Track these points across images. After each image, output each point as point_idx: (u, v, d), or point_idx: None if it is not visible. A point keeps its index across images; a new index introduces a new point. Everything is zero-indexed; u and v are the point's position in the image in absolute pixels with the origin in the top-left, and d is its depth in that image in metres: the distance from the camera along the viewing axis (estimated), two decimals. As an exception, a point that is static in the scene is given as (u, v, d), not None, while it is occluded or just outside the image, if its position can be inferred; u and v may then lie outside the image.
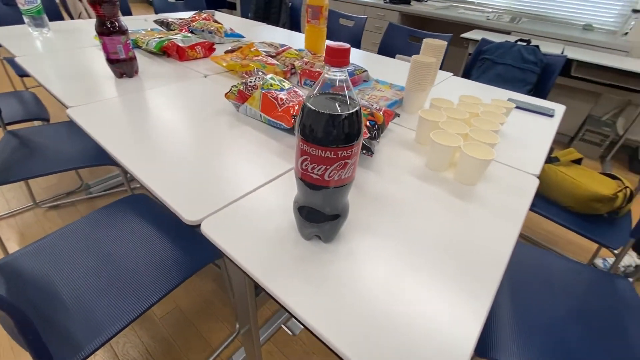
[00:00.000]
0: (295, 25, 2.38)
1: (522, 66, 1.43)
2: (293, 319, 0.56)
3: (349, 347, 0.35)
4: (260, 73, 0.84)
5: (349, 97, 0.35)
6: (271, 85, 0.77)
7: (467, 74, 1.66)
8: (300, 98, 0.77)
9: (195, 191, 0.55)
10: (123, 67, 0.95)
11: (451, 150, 0.63)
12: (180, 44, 1.12)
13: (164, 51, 1.15)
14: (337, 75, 0.34)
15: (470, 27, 2.39)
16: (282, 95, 0.75)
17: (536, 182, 0.66)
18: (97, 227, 0.84)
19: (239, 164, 0.63)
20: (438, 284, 0.43)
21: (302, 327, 0.43)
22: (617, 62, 1.83)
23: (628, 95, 1.99)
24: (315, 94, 0.37)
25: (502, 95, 1.09)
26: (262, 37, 1.55)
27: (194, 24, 1.38)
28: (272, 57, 1.15)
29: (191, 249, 0.80)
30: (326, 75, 0.35)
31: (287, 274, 0.42)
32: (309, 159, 0.37)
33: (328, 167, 0.37)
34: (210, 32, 1.35)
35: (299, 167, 0.39)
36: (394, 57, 1.70)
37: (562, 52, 1.87)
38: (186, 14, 1.77)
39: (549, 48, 1.85)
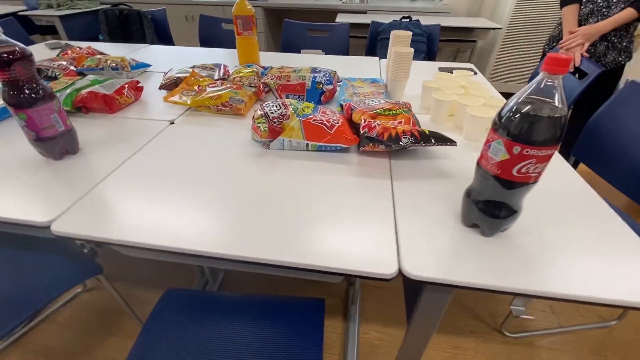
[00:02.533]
0: (165, 40, 2.06)
1: (413, 39, 1.71)
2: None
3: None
4: (274, 104, 0.75)
5: (558, 100, 0.40)
6: (303, 110, 0.72)
7: (372, 54, 1.87)
8: (337, 115, 0.74)
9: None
10: (63, 142, 0.68)
11: (486, 121, 0.75)
12: (104, 92, 0.86)
13: (80, 106, 0.86)
14: (553, 82, 0.38)
15: (331, 12, 2.60)
16: (319, 116, 0.71)
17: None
18: None
19: (341, 203, 0.58)
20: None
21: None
22: (452, 22, 2.37)
23: (456, 45, 2.62)
24: (521, 102, 0.40)
25: (429, 67, 1.30)
26: (166, 62, 1.32)
27: (84, 62, 1.05)
28: (223, 80, 1.02)
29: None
30: (546, 83, 0.38)
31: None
32: (532, 161, 0.41)
33: (543, 164, 0.42)
34: (116, 69, 1.06)
35: (513, 170, 0.42)
36: (299, 52, 1.74)
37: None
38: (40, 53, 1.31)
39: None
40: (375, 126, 0.68)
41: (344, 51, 1.73)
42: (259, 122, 0.71)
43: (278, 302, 0.71)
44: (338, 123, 0.70)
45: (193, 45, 3.01)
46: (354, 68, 1.29)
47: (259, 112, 0.73)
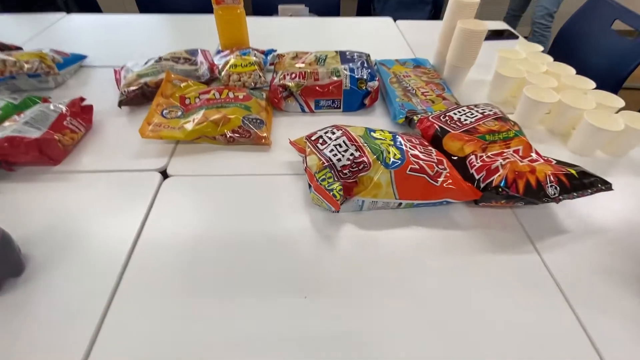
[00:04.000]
0: (83, 3, 1.48)
1: None
2: None
3: None
4: (334, 139, 0.48)
5: None
6: (388, 150, 0.47)
7: (364, 9, 1.51)
8: (430, 148, 0.50)
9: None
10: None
11: (610, 134, 0.56)
12: (33, 134, 0.52)
13: (-4, 162, 0.51)
14: None
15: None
16: (413, 154, 0.47)
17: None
18: None
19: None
20: None
21: None
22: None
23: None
24: None
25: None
26: (105, 46, 0.91)
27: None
28: (211, 80, 0.70)
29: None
30: None
31: None
32: None
33: None
34: (35, 75, 0.68)
35: None
36: (273, 13, 1.38)
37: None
38: None
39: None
40: (497, 168, 0.47)
41: (334, 7, 1.38)
42: (325, 180, 0.45)
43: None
44: (444, 169, 0.47)
45: (129, 10, 2.40)
46: (369, 39, 0.99)
47: (318, 161, 0.47)
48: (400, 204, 0.47)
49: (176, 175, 0.54)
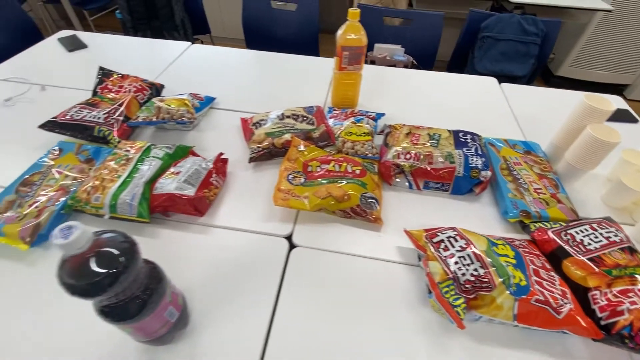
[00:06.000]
0: (196, 19, 1.64)
1: (524, 39, 1.35)
2: None
3: None
4: (456, 249, 0.51)
5: None
6: (509, 276, 0.49)
7: (462, 57, 1.49)
8: (555, 276, 0.51)
9: None
10: (175, 327, 0.47)
11: None
12: (189, 192, 0.61)
13: (160, 212, 0.62)
14: None
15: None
16: (539, 287, 0.48)
17: None
18: None
19: None
20: None
21: None
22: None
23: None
24: None
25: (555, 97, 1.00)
26: (227, 87, 1.01)
27: (138, 114, 0.77)
28: (327, 145, 0.76)
29: None
30: None
31: None
32: None
33: None
34: (182, 122, 0.79)
35: None
36: (368, 51, 1.41)
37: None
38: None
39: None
40: (623, 312, 0.47)
41: (431, 49, 1.38)
42: (449, 293, 0.49)
43: None
44: (568, 302, 0.48)
45: (231, 34, 2.60)
46: (472, 101, 0.99)
47: (441, 270, 0.50)
48: (517, 325, 0.49)
49: (302, 247, 0.60)
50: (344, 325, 0.50)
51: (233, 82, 1.02)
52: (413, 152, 0.70)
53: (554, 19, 1.36)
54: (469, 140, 0.74)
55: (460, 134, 0.76)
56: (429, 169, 0.69)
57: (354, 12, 0.75)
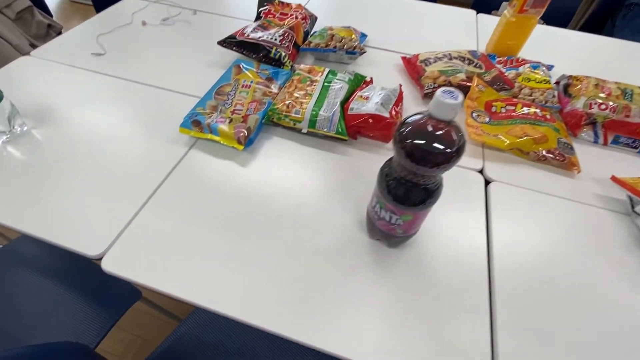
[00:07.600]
0: None
1: None
2: None
3: None
4: None
5: None
6: None
7: (597, 24, 1.36)
8: None
9: None
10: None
11: None
12: (384, 113, 0.61)
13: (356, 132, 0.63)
14: None
15: None
16: None
17: None
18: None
19: None
20: None
21: None
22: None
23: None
24: None
25: None
26: (379, 23, 0.98)
27: (310, 39, 0.77)
28: (500, 89, 0.73)
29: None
30: None
31: None
32: None
33: None
34: (352, 52, 0.78)
35: None
36: (492, 10, 1.33)
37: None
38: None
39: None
40: None
41: (566, 15, 1.27)
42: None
43: None
44: None
45: None
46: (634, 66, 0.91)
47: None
48: None
49: (499, 182, 0.60)
50: (571, 266, 0.50)
51: (378, 22, 0.99)
52: (610, 103, 0.66)
53: None
54: (664, 98, 0.69)
55: (655, 91, 0.70)
56: (625, 122, 0.65)
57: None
